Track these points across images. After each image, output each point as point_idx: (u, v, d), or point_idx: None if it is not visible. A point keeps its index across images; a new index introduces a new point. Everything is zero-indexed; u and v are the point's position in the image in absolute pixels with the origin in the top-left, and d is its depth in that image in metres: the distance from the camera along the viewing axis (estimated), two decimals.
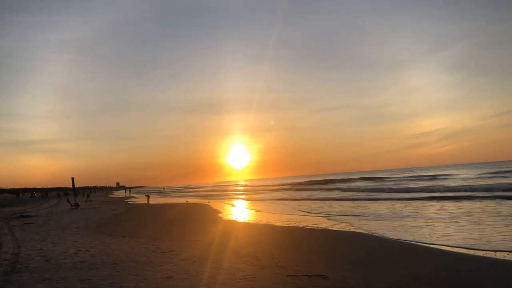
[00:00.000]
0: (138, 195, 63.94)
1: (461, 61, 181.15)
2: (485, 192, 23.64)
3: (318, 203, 25.14)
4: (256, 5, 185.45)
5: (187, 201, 34.91)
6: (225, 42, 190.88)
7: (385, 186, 39.71)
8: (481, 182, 33.25)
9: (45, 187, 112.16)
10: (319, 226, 13.28)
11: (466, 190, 26.32)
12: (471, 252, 8.12)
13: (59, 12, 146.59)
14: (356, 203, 22.95)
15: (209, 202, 32.57)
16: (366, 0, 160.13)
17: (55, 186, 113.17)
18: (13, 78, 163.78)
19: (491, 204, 17.27)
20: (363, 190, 36.92)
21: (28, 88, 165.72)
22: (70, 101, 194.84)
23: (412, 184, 39.93)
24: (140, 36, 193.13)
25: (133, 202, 37.79)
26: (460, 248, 8.50)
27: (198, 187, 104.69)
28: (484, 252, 8.04)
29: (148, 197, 40.88)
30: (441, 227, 11.62)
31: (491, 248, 8.35)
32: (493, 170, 53.24)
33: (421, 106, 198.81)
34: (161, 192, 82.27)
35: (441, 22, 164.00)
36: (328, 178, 77.23)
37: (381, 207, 19.39)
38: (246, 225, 15.08)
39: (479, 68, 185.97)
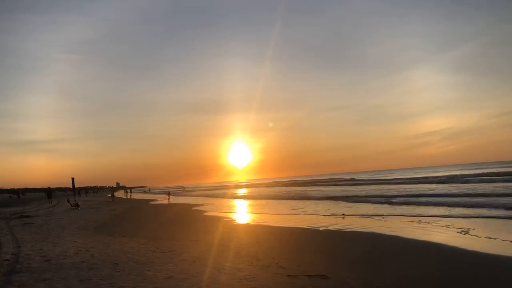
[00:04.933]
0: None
1: (467, 61, 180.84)
2: None
3: (318, 202, 25.14)
4: (257, 5, 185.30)
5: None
6: (227, 42, 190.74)
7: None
8: None
9: (45, 187, 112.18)
10: (319, 225, 13.27)
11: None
12: (473, 250, 8.11)
13: (65, 12, 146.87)
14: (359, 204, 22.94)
15: (209, 201, 32.60)
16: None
17: (55, 186, 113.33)
18: (19, 78, 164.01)
19: None
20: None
21: (32, 88, 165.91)
22: (72, 101, 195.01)
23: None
24: (142, 37, 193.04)
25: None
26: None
27: (200, 187, 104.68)
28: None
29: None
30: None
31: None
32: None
33: (425, 106, 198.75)
34: (181, 191, 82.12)
35: (448, 22, 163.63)
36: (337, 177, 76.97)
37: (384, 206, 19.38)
38: (246, 225, 15.09)
39: (485, 68, 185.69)
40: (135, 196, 59.17)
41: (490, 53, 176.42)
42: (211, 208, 25.32)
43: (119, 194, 65.21)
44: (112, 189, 74.72)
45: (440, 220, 13.06)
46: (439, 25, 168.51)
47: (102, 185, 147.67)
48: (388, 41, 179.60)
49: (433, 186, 35.02)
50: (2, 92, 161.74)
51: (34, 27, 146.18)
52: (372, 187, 41.93)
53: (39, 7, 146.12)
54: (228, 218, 18.17)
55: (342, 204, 23.13)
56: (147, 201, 40.55)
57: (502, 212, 14.27)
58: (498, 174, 40.58)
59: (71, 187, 32.18)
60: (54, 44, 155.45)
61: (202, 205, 28.69)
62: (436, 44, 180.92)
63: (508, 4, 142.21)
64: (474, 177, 40.11)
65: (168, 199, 38.60)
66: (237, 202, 32.69)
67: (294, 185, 65.39)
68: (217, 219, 17.57)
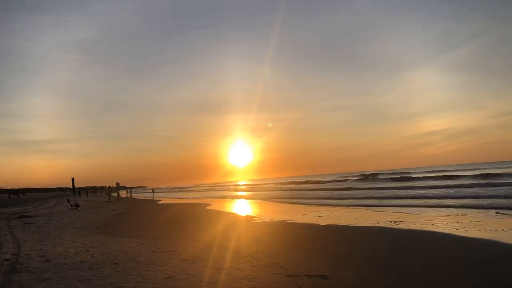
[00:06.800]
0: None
1: (467, 62, 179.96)
2: None
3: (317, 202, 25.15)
4: (258, 4, 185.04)
5: None
6: (228, 43, 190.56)
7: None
8: None
9: (45, 187, 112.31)
10: (319, 224, 13.28)
11: None
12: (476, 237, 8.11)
13: (68, 13, 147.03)
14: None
15: (209, 203, 32.61)
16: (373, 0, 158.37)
17: (55, 186, 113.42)
18: (21, 78, 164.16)
19: None
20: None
21: (34, 88, 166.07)
22: (73, 101, 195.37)
23: None
24: (143, 37, 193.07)
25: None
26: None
27: (200, 187, 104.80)
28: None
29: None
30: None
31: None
32: None
33: (426, 106, 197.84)
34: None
35: (449, 23, 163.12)
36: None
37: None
38: (246, 225, 15.08)
39: (485, 69, 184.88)
40: (134, 196, 59.19)
41: (491, 53, 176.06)
42: (211, 208, 25.33)
43: (122, 194, 65.41)
44: (109, 190, 75.37)
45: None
46: (439, 26, 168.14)
47: (102, 185, 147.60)
48: (388, 42, 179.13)
49: None
50: (4, 93, 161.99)
51: (37, 27, 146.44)
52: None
53: (42, 7, 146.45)
54: (228, 218, 18.18)
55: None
56: (146, 201, 40.58)
57: None
58: None
59: (71, 187, 32.11)
60: (56, 44, 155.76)
61: (203, 205, 28.70)
62: (437, 45, 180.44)
63: (508, 5, 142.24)
64: None
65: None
66: (237, 202, 32.71)
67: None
68: (217, 219, 17.59)
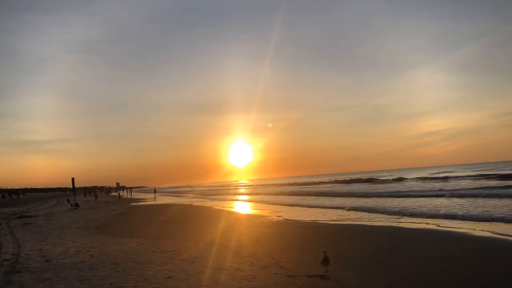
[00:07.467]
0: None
1: (469, 62, 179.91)
2: None
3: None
4: (259, 5, 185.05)
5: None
6: (228, 43, 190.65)
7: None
8: None
9: (45, 187, 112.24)
10: (320, 224, 13.28)
11: None
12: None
13: (67, 12, 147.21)
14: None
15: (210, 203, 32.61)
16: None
17: (55, 186, 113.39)
18: (20, 78, 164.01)
19: None
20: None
21: (33, 88, 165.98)
22: (73, 101, 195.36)
23: None
24: (143, 37, 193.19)
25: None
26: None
27: (200, 187, 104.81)
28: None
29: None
30: None
31: None
32: None
33: (427, 106, 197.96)
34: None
35: (450, 23, 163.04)
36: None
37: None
38: (246, 225, 15.08)
39: (487, 69, 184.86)
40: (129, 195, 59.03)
41: (492, 53, 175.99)
42: (211, 208, 25.33)
43: (124, 194, 65.43)
44: (107, 190, 75.84)
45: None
46: (441, 26, 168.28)
47: (102, 185, 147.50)
48: (390, 42, 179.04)
49: None
50: (3, 92, 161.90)
51: (36, 27, 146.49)
52: None
53: (41, 7, 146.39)
54: (228, 218, 18.18)
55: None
56: (145, 201, 40.56)
57: None
58: None
59: (71, 187, 32.11)
60: (56, 44, 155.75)
61: (203, 205, 28.70)
62: (438, 44, 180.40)
63: (510, 5, 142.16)
64: None
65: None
66: (237, 202, 32.71)
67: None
68: (217, 219, 17.58)
